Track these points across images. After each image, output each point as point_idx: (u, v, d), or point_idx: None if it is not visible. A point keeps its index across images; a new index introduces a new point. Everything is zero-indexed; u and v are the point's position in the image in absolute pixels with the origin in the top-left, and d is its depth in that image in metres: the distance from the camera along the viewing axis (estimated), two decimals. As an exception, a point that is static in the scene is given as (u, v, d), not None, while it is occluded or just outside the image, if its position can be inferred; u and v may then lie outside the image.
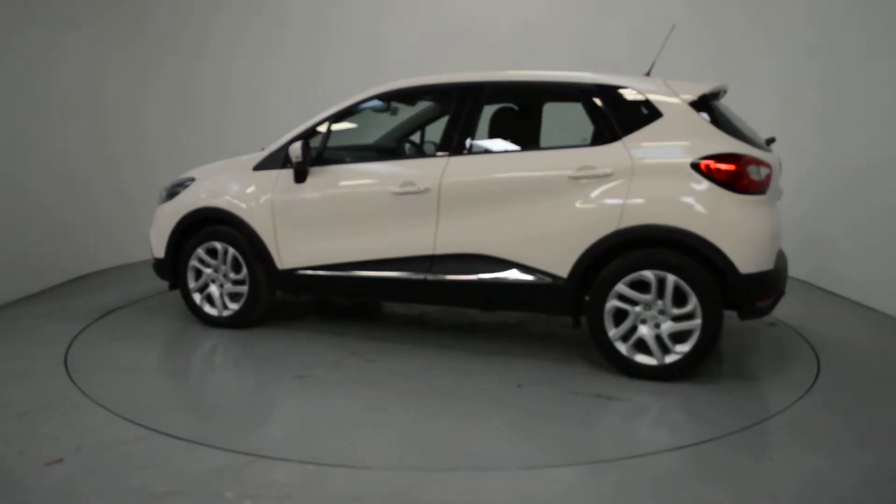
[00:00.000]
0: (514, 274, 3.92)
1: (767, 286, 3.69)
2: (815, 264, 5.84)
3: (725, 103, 4.10)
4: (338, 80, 6.81)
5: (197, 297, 4.67)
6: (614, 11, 7.02)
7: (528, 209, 3.87)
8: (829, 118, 5.73)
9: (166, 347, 4.28)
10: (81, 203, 6.30)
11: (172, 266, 4.73)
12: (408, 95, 4.59)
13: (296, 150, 4.22)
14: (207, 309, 4.65)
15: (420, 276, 4.09)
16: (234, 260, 4.54)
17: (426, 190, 4.05)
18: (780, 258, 3.95)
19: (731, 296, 3.63)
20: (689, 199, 3.61)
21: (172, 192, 4.80)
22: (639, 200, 3.67)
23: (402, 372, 3.88)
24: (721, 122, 3.76)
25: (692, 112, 3.74)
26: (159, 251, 4.76)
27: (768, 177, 3.70)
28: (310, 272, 4.39)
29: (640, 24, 6.75)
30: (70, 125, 6.18)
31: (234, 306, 4.59)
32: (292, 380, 3.79)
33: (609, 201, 3.72)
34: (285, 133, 4.54)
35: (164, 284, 4.97)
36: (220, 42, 7.30)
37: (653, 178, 3.68)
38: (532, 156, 4.04)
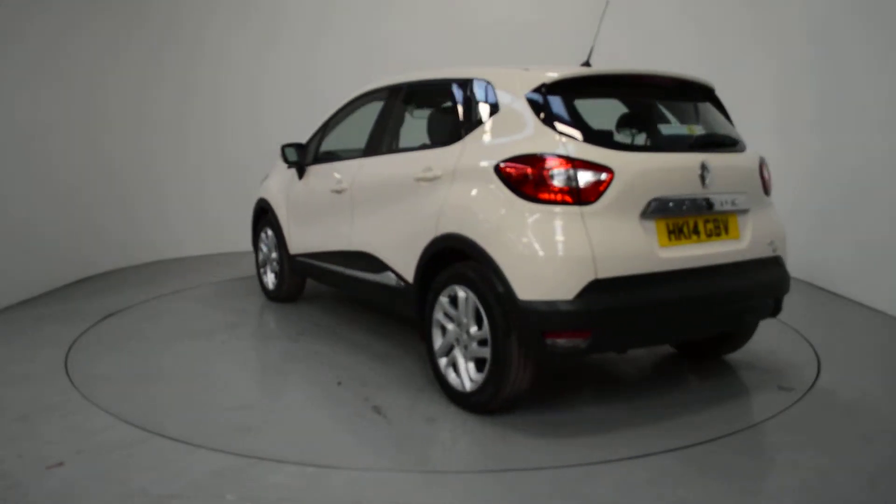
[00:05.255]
0: (384, 275, 3.91)
1: (558, 321, 2.90)
2: (815, 264, 5.84)
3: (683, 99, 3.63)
4: (340, 80, 6.82)
5: (261, 271, 5.58)
6: (614, 10, 7.01)
7: (390, 211, 3.84)
8: (829, 118, 5.72)
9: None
10: (79, 207, 6.31)
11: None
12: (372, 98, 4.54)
13: (282, 152, 4.89)
14: (264, 281, 5.53)
15: (340, 270, 4.41)
16: (273, 242, 5.32)
17: (345, 189, 4.30)
18: (754, 273, 3.38)
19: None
20: (483, 207, 3.16)
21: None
22: (451, 207, 3.33)
23: (292, 354, 4.27)
24: (569, 115, 3.14)
25: (525, 106, 3.22)
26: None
27: (599, 184, 2.97)
28: (300, 259, 4.98)
29: (642, 22, 6.75)
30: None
31: (276, 281, 5.39)
32: (212, 341, 4.46)
33: (432, 207, 3.44)
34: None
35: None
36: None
37: (466, 182, 3.30)
38: (403, 157, 3.88)
